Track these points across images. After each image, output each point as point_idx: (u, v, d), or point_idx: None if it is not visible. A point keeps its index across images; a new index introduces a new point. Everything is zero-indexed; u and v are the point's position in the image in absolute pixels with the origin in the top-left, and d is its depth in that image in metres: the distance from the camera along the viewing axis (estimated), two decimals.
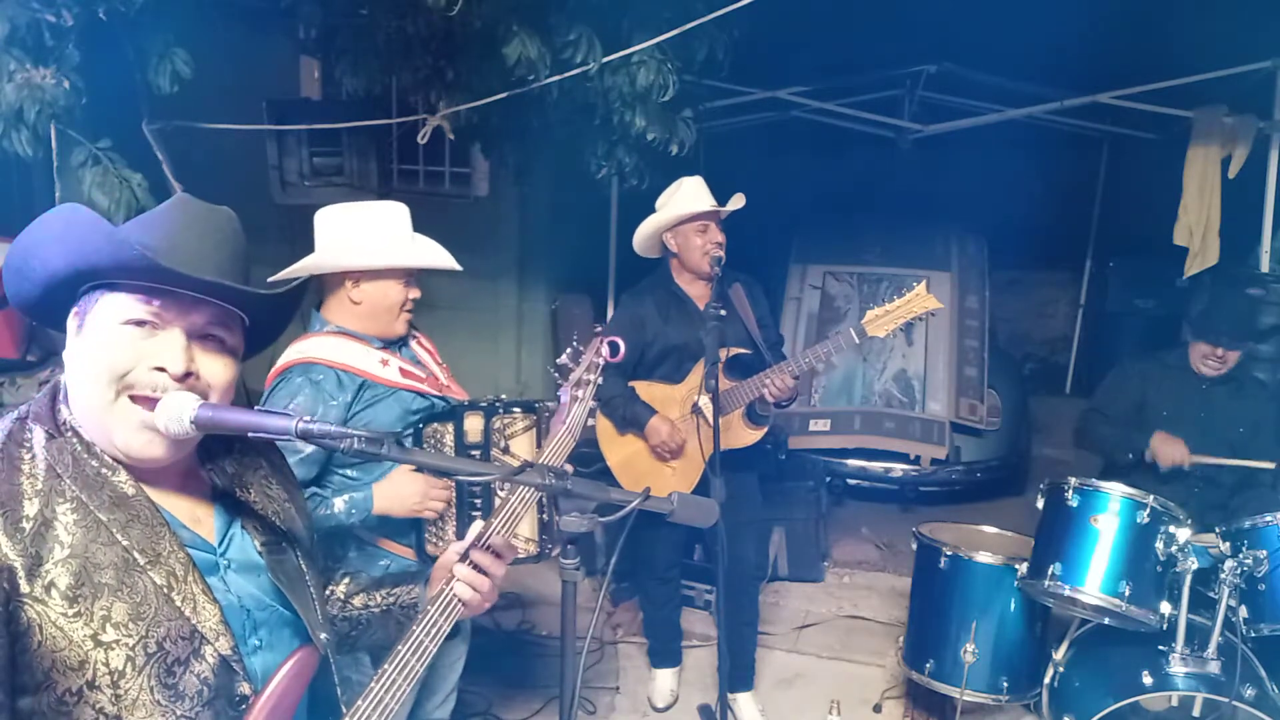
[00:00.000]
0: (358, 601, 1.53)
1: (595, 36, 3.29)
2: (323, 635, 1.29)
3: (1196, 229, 4.73)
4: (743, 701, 3.54)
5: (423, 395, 2.33)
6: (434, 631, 1.33)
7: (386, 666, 1.26)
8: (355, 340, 2.30)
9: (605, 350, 2.02)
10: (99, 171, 2.98)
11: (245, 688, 1.19)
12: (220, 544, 1.25)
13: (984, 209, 6.30)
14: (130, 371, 1.15)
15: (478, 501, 2.24)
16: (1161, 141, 5.70)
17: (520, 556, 2.27)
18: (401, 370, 2.32)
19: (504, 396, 2.36)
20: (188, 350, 1.17)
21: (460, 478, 1.31)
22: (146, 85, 3.14)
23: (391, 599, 1.52)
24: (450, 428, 2.28)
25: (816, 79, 5.72)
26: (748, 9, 3.02)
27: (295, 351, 2.27)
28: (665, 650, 3.69)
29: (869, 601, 4.44)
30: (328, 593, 1.52)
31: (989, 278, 5.80)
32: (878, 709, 3.61)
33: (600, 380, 2.01)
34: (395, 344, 2.39)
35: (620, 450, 3.33)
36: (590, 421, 1.97)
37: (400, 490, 2.22)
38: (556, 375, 2.01)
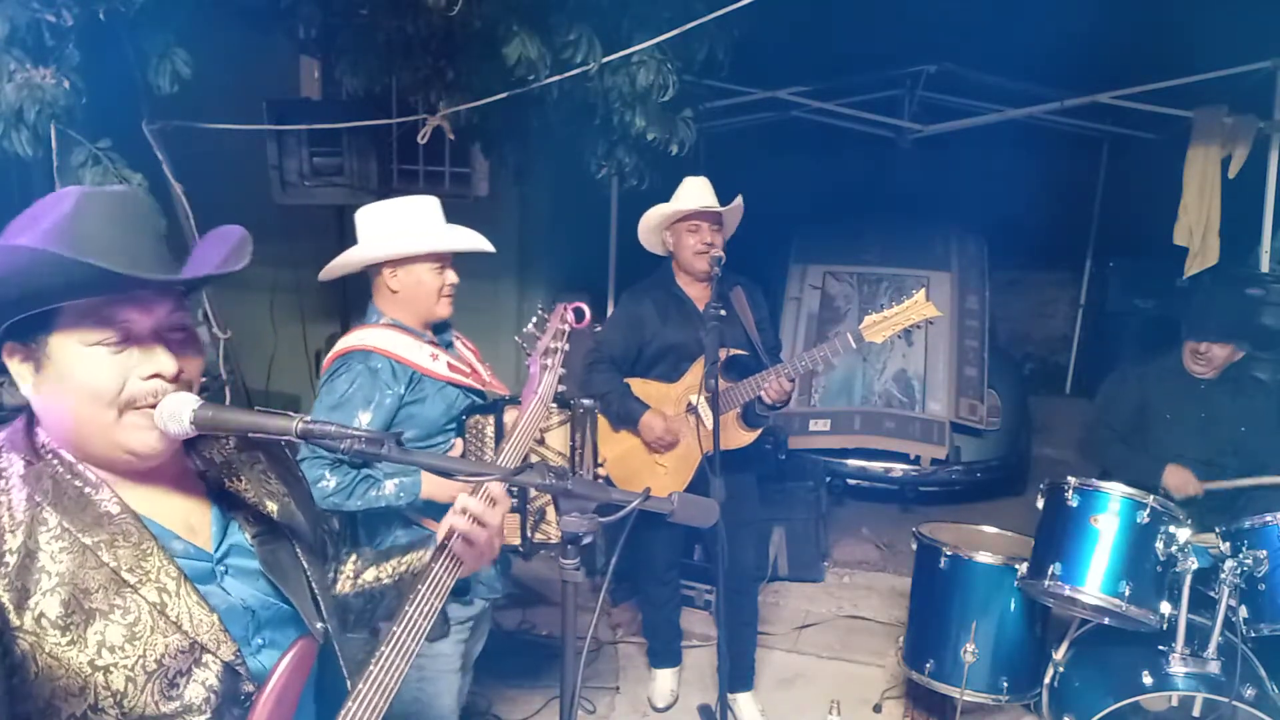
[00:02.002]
0: (369, 576, 1.53)
1: (595, 36, 3.29)
2: (319, 625, 1.29)
3: (1196, 229, 4.72)
4: (743, 702, 3.54)
5: (467, 393, 2.44)
6: (429, 608, 1.33)
7: (384, 648, 1.26)
8: (407, 334, 2.40)
9: (570, 316, 2.02)
10: (99, 171, 2.98)
11: (250, 687, 1.19)
12: (217, 550, 1.24)
13: (984, 209, 6.29)
14: (124, 390, 1.13)
15: (514, 490, 2.28)
16: (1161, 141, 5.69)
17: (551, 542, 2.30)
18: (450, 365, 2.43)
19: None
20: (166, 350, 1.16)
21: (460, 479, 1.31)
22: (146, 85, 3.14)
23: (402, 568, 1.53)
24: (491, 420, 2.36)
25: (816, 79, 5.71)
26: (748, 9, 3.02)
27: (354, 339, 2.38)
28: (665, 650, 3.70)
29: (869, 601, 4.44)
30: (337, 573, 1.53)
31: (989, 278, 5.80)
32: (878, 709, 3.61)
33: (567, 347, 2.01)
34: (442, 341, 2.49)
35: (613, 448, 3.34)
36: (561, 387, 1.97)
37: (446, 480, 2.27)
38: (524, 345, 2.01)
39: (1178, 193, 4.78)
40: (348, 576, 1.54)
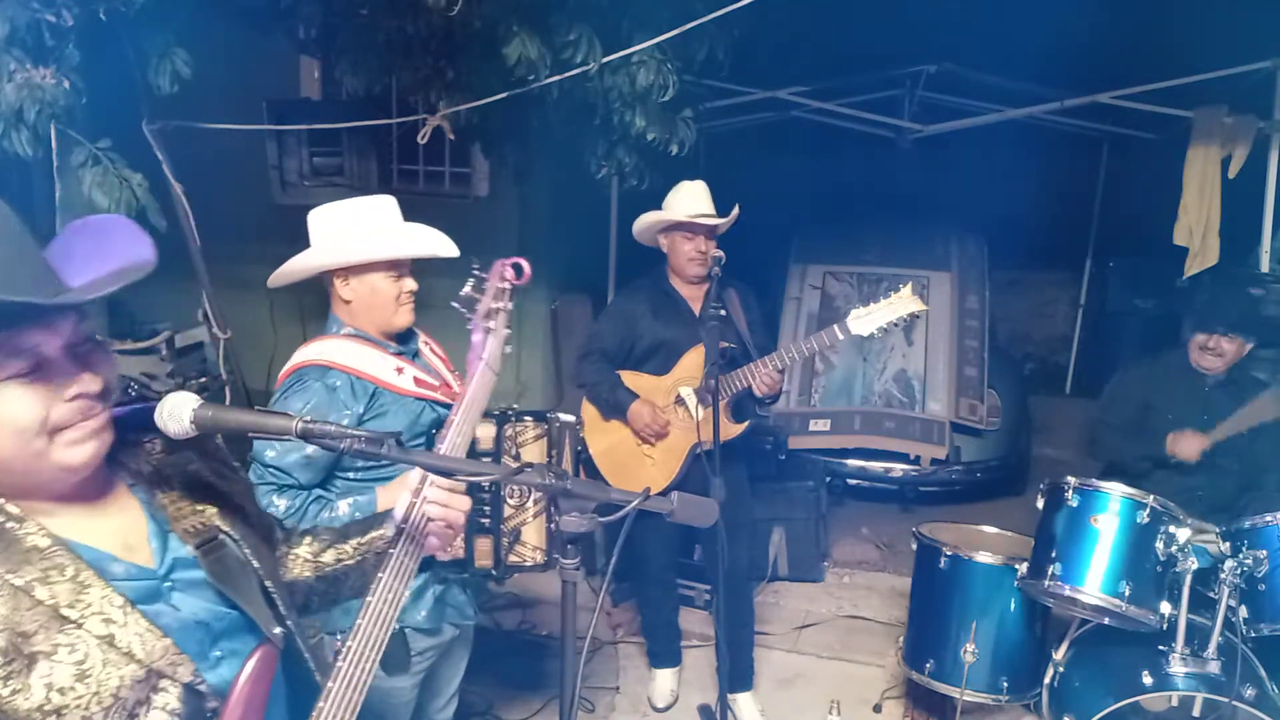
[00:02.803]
0: (328, 559, 1.47)
1: (595, 36, 3.29)
2: (277, 630, 1.24)
3: (1196, 229, 4.73)
4: (742, 702, 3.54)
5: (433, 407, 2.29)
6: (391, 598, 1.30)
7: (351, 642, 1.23)
8: (371, 345, 2.25)
9: (509, 273, 1.92)
10: (99, 171, 2.99)
11: (215, 703, 1.15)
12: (161, 565, 1.18)
13: (984, 209, 6.30)
14: (49, 417, 1.07)
15: (486, 509, 2.21)
16: (1161, 141, 5.70)
17: (527, 565, 2.25)
18: (416, 380, 2.27)
19: (515, 406, 2.33)
20: (83, 367, 1.09)
21: (460, 478, 1.30)
22: (146, 85, 3.14)
23: (364, 547, 1.48)
24: None
25: (816, 79, 5.72)
26: (748, 9, 3.02)
27: (312, 352, 2.22)
28: (665, 650, 3.70)
29: (869, 601, 4.44)
30: (292, 556, 1.47)
31: (989, 278, 5.79)
32: (878, 709, 3.61)
33: (510, 307, 1.91)
34: (408, 352, 2.35)
35: (603, 439, 3.36)
36: (508, 348, 1.88)
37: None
38: (463, 310, 1.90)
39: (1178, 193, 4.78)
40: (305, 560, 1.48)
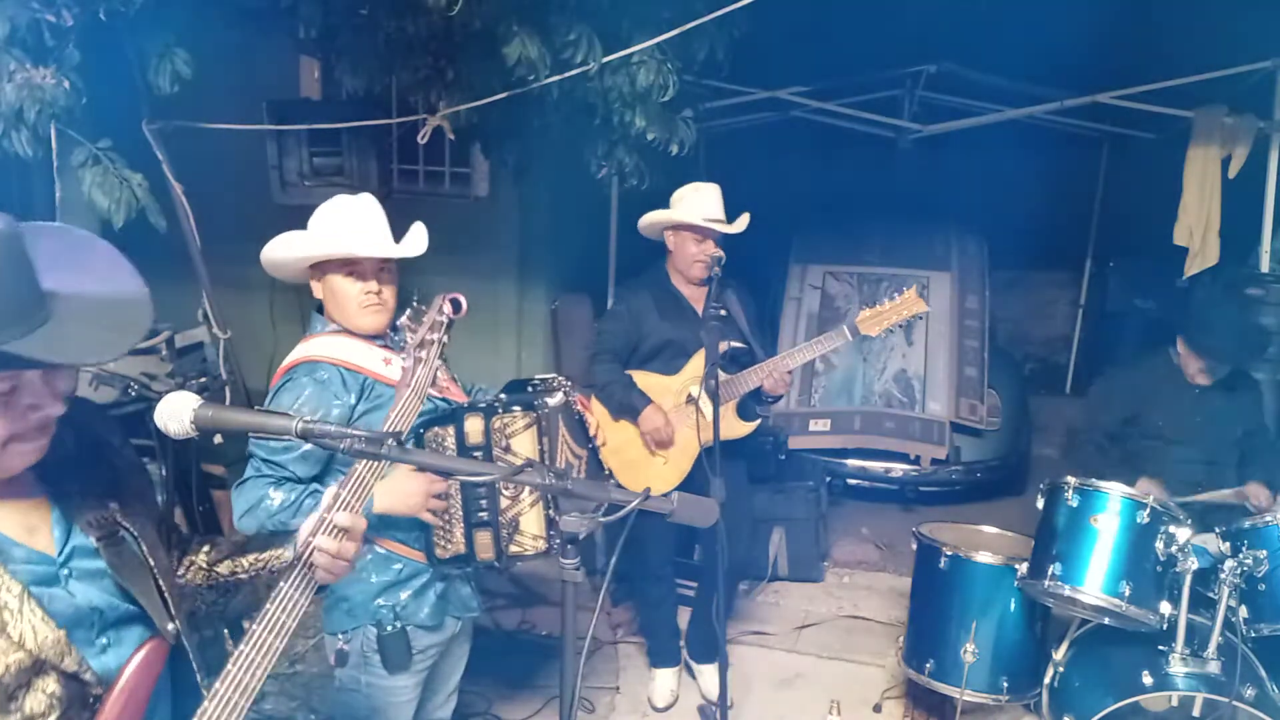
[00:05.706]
0: (223, 569, 1.49)
1: (595, 36, 3.29)
2: (170, 626, 1.27)
3: (1196, 229, 4.72)
4: (707, 672, 3.61)
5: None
6: (290, 607, 1.30)
7: (244, 647, 1.23)
8: (357, 338, 2.25)
9: (448, 308, 1.97)
10: (99, 171, 2.99)
11: (98, 690, 1.17)
12: (61, 553, 1.21)
13: (984, 209, 6.29)
14: (10, 435, 1.15)
15: (484, 504, 2.21)
16: (1161, 141, 5.69)
17: (528, 553, 2.24)
18: (404, 370, 2.25)
19: (502, 396, 2.29)
20: (52, 390, 1.16)
21: (461, 477, 1.30)
22: (146, 85, 3.14)
23: (260, 564, 1.49)
24: (451, 430, 2.21)
25: (816, 79, 5.71)
26: (748, 9, 3.02)
27: (299, 352, 2.23)
28: (664, 650, 3.70)
29: (869, 601, 4.44)
30: (188, 562, 1.50)
31: (989, 278, 5.80)
32: (878, 709, 3.61)
33: (446, 339, 1.95)
34: (396, 343, 2.31)
35: (613, 438, 3.35)
36: (419, 362, 1.93)
37: (402, 487, 2.15)
38: (397, 340, 1.97)
39: (1178, 193, 4.78)
40: (199, 567, 1.50)
